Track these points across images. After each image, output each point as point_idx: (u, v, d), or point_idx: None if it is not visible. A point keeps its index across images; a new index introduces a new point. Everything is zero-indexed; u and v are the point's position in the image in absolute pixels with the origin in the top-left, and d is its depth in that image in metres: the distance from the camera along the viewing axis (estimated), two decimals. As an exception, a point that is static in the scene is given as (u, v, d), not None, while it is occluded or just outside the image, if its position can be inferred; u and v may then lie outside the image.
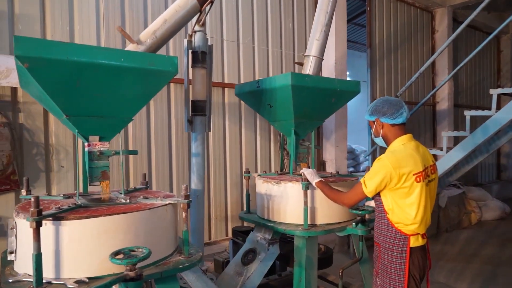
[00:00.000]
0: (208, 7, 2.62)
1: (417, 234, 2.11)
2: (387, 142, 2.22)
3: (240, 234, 3.72)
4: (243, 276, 2.68)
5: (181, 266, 1.91)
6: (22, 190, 2.22)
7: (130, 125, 3.99)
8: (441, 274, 4.76)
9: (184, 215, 2.01)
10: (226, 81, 4.73)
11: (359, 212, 2.60)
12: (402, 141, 2.15)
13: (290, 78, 2.69)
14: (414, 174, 2.04)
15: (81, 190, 2.27)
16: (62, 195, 2.20)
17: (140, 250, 1.72)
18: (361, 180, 2.17)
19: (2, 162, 3.22)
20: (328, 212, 2.73)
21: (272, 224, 2.77)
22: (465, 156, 4.58)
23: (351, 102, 4.74)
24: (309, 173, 2.55)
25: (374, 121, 2.23)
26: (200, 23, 2.74)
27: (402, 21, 7.11)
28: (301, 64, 3.16)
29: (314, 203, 2.70)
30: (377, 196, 2.18)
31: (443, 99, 7.52)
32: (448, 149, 4.86)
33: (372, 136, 2.30)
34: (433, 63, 7.70)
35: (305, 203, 2.59)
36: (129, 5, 4.00)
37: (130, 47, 2.31)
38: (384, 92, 6.78)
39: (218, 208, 4.68)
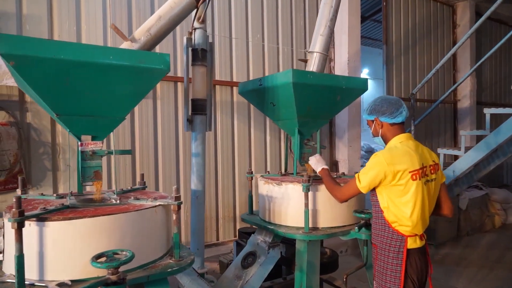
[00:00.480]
0: (206, 4, 2.55)
1: (415, 235, 2.07)
2: (386, 141, 2.21)
3: (246, 235, 3.64)
4: (242, 280, 2.60)
5: (169, 270, 1.85)
6: (17, 190, 2.22)
7: (136, 124, 4.00)
8: (459, 280, 4.53)
9: (174, 217, 1.95)
10: (234, 79, 4.66)
11: (362, 215, 2.48)
12: (400, 139, 2.13)
13: (291, 75, 2.59)
14: (410, 172, 1.99)
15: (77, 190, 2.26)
16: (55, 195, 2.18)
17: (124, 253, 1.67)
18: (356, 175, 2.14)
19: (9, 161, 3.27)
20: (331, 214, 2.62)
21: (272, 227, 2.68)
22: (485, 156, 4.33)
23: (366, 100, 4.61)
24: (313, 161, 2.55)
25: (372, 121, 2.21)
26: (200, 20, 2.67)
27: (421, 16, 6.84)
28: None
29: (316, 205, 2.59)
30: (373, 196, 2.14)
31: (465, 97, 7.19)
32: (468, 149, 4.61)
33: (371, 135, 2.28)
34: (454, 59, 7.39)
35: (306, 205, 2.48)
36: (136, 5, 3.99)
37: (124, 45, 2.27)
38: (402, 90, 6.54)
39: (226, 208, 4.62)
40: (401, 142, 2.10)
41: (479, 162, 4.66)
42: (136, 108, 3.99)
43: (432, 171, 2.11)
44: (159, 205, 1.97)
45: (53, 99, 1.91)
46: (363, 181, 2.07)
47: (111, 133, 2.21)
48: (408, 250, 2.03)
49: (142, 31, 2.28)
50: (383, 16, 6.24)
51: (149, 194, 2.32)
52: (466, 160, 4.24)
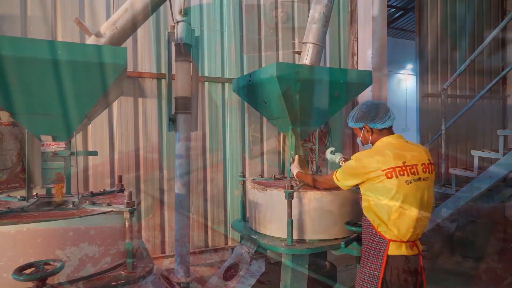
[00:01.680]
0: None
1: (400, 241, 1.86)
2: None
3: (246, 242, 3.42)
4: (221, 294, 2.39)
5: (113, 283, 1.69)
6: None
7: (140, 125, 3.92)
8: (498, 302, 3.95)
9: (127, 225, 1.79)
10: (245, 77, 4.45)
11: (353, 228, 2.16)
12: (381, 142, 2.03)
13: (275, 69, 2.33)
14: (382, 170, 1.89)
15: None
16: (19, 196, 2.12)
17: (55, 263, 1.53)
18: (335, 173, 2.11)
19: (11, 160, 3.32)
20: (319, 226, 2.31)
21: (256, 236, 2.43)
22: (530, 160, 3.71)
23: (395, 98, 4.18)
24: (292, 166, 2.60)
25: (360, 129, 2.10)
26: (181, 12, 2.50)
27: (461, 2, 6.15)
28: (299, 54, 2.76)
29: (303, 215, 2.31)
30: (359, 195, 2.07)
31: (516, 92, 6.37)
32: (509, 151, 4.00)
33: (360, 143, 2.15)
34: (503, 50, 6.58)
35: (289, 214, 2.21)
36: (140, 3, 3.92)
37: (89, 40, 2.16)
38: (438, 84, 5.92)
39: (235, 212, 4.42)
40: (382, 145, 1.99)
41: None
42: (140, 107, 3.92)
43: (425, 170, 1.96)
44: (111, 211, 1.82)
45: (4, 97, 1.83)
46: (342, 180, 2.07)
47: (75, 133, 2.12)
48: (390, 257, 1.84)
49: (108, 25, 2.15)
50: (415, 4, 5.69)
51: (117, 198, 2.19)
52: (504, 165, 3.66)
